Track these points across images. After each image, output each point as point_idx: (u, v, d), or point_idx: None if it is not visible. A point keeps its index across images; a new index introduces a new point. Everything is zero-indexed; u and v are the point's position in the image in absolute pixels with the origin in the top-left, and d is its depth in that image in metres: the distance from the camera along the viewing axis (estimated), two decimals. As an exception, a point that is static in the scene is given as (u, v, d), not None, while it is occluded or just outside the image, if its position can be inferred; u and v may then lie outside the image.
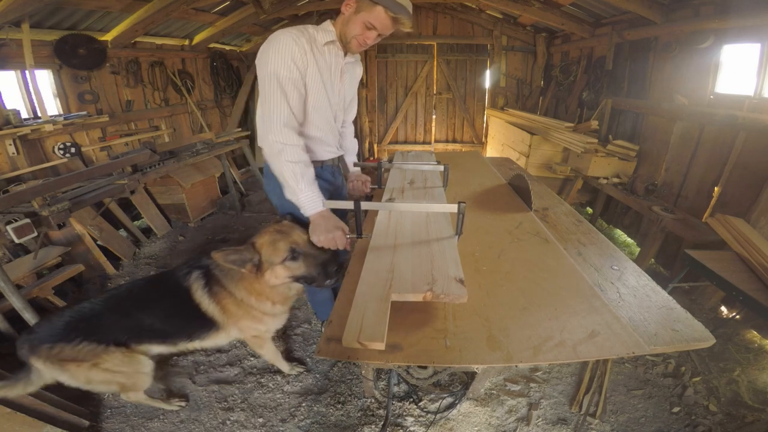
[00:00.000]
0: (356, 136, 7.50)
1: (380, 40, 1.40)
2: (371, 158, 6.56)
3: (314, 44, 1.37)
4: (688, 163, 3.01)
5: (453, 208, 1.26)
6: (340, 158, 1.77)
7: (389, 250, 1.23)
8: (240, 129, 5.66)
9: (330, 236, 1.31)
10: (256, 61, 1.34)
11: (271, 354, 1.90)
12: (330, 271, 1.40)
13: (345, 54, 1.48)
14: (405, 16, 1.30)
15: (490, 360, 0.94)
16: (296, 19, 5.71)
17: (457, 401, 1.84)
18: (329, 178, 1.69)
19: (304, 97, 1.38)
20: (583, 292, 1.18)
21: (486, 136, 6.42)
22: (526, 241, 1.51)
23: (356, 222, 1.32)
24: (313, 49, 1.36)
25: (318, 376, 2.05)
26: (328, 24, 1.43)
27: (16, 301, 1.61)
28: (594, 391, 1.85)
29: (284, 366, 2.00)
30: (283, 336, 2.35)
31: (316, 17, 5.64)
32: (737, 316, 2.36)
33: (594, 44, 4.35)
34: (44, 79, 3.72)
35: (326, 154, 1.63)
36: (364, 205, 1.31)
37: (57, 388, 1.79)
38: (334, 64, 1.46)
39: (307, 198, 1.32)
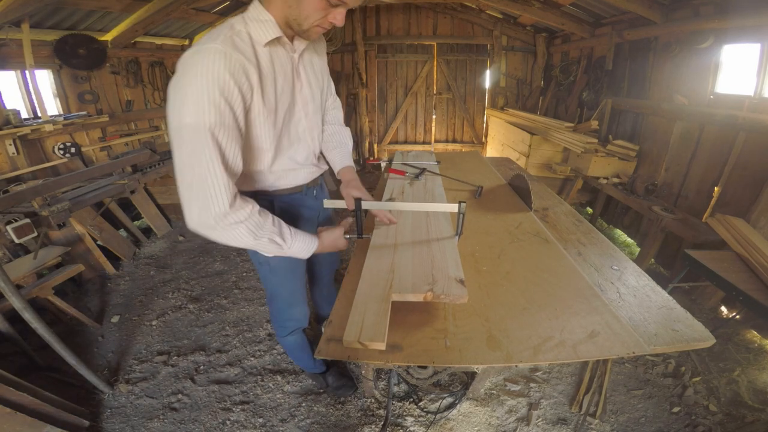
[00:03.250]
0: (356, 135, 7.29)
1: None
2: (371, 158, 6.56)
3: (255, 52, 0.94)
4: (688, 163, 3.01)
5: (453, 207, 1.25)
6: (323, 173, 1.42)
7: (389, 250, 1.23)
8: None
9: (337, 247, 1.20)
10: (168, 104, 0.87)
11: None
12: None
13: (292, 42, 1.06)
14: None
15: (490, 360, 0.94)
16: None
17: (457, 401, 1.84)
18: (312, 204, 1.39)
19: (246, 136, 0.99)
20: (583, 292, 1.18)
21: (486, 136, 6.42)
22: (526, 241, 1.51)
23: (356, 222, 1.30)
24: (258, 59, 0.94)
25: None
26: (257, 9, 0.96)
27: (16, 301, 1.61)
28: (594, 391, 1.85)
29: None
30: (283, 336, 2.35)
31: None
32: (737, 316, 2.36)
33: (594, 44, 4.35)
34: (44, 79, 3.73)
35: (307, 177, 1.30)
36: (365, 205, 1.30)
37: (57, 388, 1.79)
38: (287, 65, 1.06)
39: (297, 250, 1.08)
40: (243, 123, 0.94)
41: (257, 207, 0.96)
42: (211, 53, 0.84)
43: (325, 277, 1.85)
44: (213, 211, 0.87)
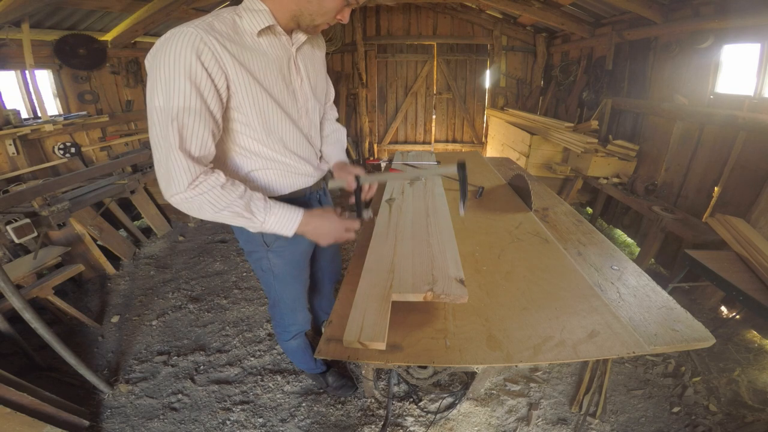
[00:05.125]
0: (356, 135, 7.27)
1: None
2: (371, 158, 6.56)
3: (240, 38, 0.94)
4: (688, 163, 3.01)
5: (452, 169, 1.12)
6: (325, 175, 1.38)
7: (389, 249, 1.23)
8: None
9: (341, 235, 1.10)
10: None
11: None
12: None
13: (290, 35, 1.06)
14: None
15: (490, 360, 0.94)
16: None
17: (457, 401, 1.84)
18: (317, 206, 1.35)
19: (219, 124, 0.96)
20: (583, 292, 1.18)
21: (486, 136, 6.42)
22: (526, 241, 1.51)
23: (356, 201, 1.20)
24: (240, 47, 0.94)
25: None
26: (252, 0, 0.97)
27: (16, 301, 1.61)
28: (594, 391, 1.85)
29: None
30: (283, 336, 2.35)
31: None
32: (737, 316, 2.36)
33: (594, 44, 4.35)
34: (44, 79, 3.73)
35: (306, 180, 1.25)
36: (365, 180, 1.19)
37: (57, 388, 1.80)
38: (282, 57, 1.04)
39: (276, 223, 1.01)
40: (216, 105, 0.93)
41: (221, 180, 0.93)
42: (182, 36, 0.84)
43: (326, 287, 1.82)
44: (173, 188, 0.90)
